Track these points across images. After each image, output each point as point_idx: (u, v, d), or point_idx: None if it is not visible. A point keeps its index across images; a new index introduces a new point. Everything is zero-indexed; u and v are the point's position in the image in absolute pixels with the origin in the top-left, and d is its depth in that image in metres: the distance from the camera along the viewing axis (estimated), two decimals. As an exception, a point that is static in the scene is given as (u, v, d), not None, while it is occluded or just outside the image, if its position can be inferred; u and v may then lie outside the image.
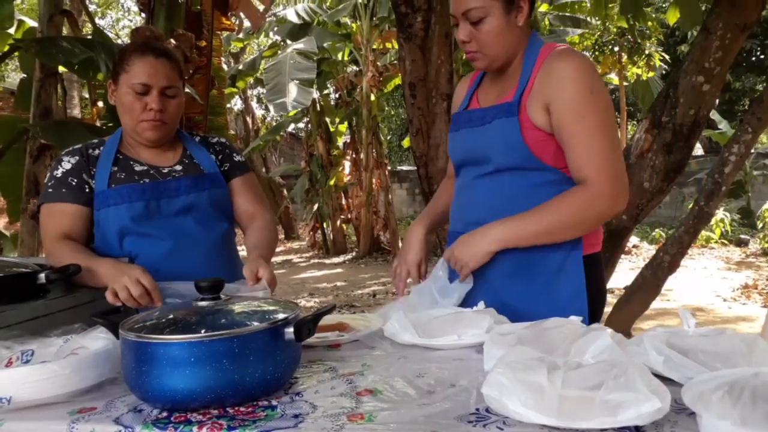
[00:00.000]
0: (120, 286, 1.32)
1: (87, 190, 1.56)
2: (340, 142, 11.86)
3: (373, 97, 10.47)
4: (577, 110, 1.34)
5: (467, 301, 1.39)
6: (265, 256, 1.52)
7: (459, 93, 1.66)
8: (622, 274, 6.36)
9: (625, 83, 11.70)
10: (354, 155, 11.21)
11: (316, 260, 10.96)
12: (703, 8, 4.37)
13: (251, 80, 11.65)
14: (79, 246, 1.53)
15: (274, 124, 13.49)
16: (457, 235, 1.50)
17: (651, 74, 10.75)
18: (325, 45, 10.52)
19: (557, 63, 1.37)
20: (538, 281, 1.43)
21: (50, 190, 1.56)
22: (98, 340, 1.06)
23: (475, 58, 1.44)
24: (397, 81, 10.39)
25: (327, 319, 1.28)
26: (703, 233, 9.52)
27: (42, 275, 1.35)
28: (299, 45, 9.32)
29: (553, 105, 1.36)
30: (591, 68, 1.38)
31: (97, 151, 1.60)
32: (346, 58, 11.39)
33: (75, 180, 1.56)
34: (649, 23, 9.67)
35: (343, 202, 11.24)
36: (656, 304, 4.33)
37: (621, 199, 1.36)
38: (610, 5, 6.42)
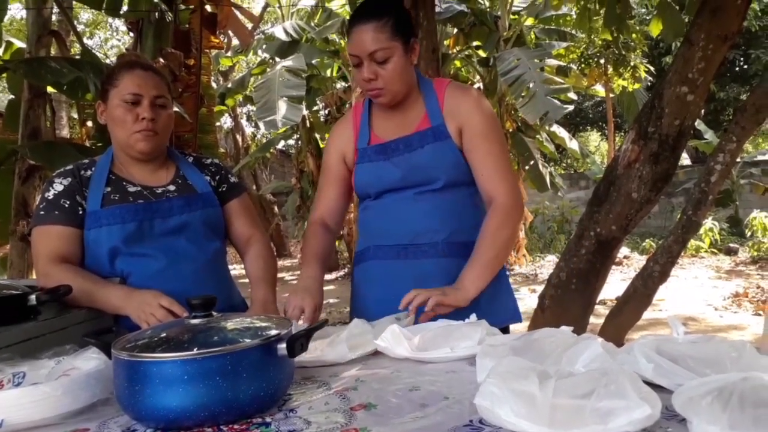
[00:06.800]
0: (147, 318, 1.39)
1: (80, 212, 1.54)
2: (330, 158, 11.87)
3: (362, 113, 10.50)
4: (485, 134, 1.59)
5: (459, 314, 1.40)
6: (273, 290, 1.68)
7: (342, 134, 1.73)
8: (613, 285, 6.38)
9: (611, 95, 11.82)
10: (344, 171, 11.22)
11: (308, 277, 10.91)
12: (686, 20, 4.44)
13: (240, 98, 11.68)
14: (78, 269, 1.52)
15: (264, 141, 13.51)
16: (399, 248, 1.62)
17: (637, 86, 10.87)
18: (313, 62, 10.56)
19: (462, 94, 1.62)
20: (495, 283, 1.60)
21: (42, 212, 1.54)
22: (90, 360, 1.06)
23: (380, 94, 1.58)
24: (386, 96, 10.42)
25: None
26: (693, 242, 9.60)
27: (33, 297, 1.33)
28: (288, 62, 9.36)
29: (466, 128, 1.59)
30: (486, 100, 1.68)
31: (89, 172, 1.59)
32: (334, 75, 11.46)
33: (68, 202, 1.54)
34: (634, 35, 9.80)
35: (334, 217, 11.24)
36: (648, 314, 4.35)
37: (522, 208, 1.65)
38: (594, 18, 6.50)
